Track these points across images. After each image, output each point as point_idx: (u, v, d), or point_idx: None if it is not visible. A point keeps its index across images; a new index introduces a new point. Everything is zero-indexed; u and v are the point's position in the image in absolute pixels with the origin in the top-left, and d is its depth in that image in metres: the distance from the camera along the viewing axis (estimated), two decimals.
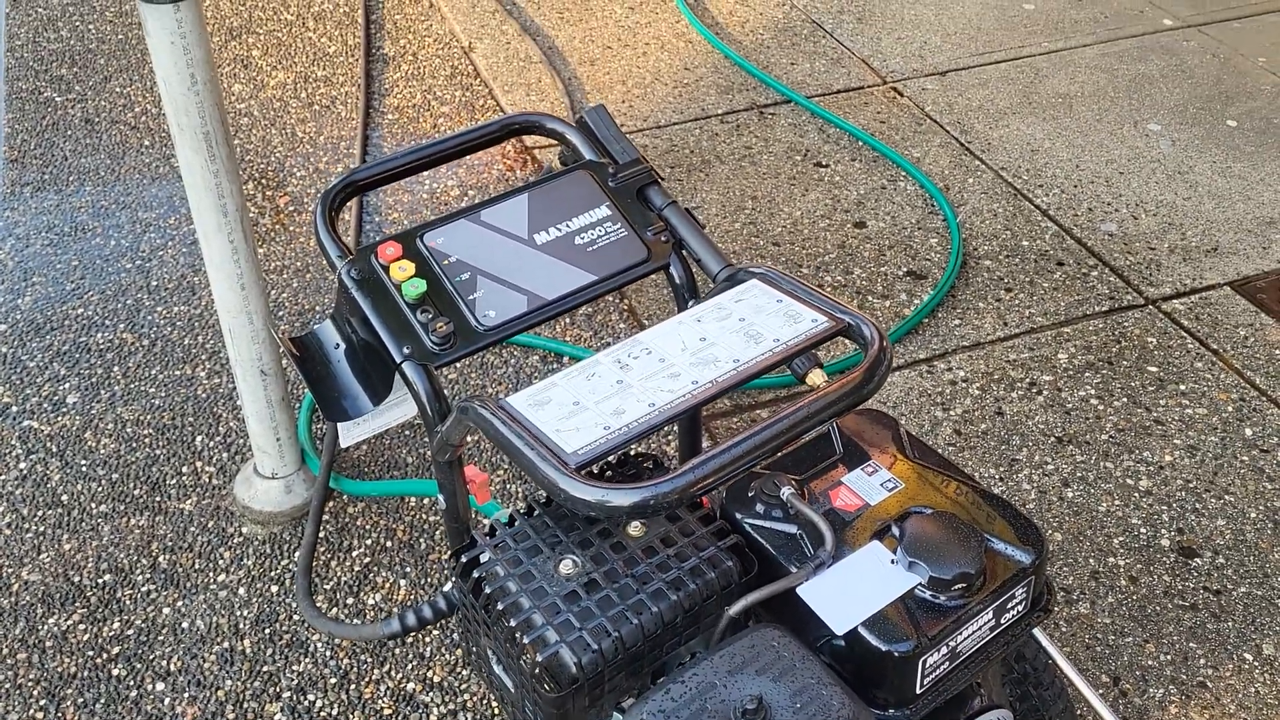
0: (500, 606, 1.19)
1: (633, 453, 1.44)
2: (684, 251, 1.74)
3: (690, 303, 1.66)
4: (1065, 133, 3.81)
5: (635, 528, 1.28)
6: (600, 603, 1.19)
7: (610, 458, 1.50)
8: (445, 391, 1.96)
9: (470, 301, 1.59)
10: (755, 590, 1.22)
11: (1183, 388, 2.79)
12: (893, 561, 1.26)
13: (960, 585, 1.23)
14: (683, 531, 1.27)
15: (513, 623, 1.17)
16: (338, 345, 1.66)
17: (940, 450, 2.60)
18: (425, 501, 2.47)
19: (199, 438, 2.65)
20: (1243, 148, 3.73)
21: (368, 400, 1.61)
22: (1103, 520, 2.44)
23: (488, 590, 1.22)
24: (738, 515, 1.34)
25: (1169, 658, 2.16)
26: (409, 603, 2.27)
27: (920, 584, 1.24)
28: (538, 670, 1.14)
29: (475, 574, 1.24)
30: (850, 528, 1.31)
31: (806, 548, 1.29)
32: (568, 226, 1.71)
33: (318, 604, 2.24)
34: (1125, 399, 2.75)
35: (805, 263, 3.19)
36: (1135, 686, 2.12)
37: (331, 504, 2.48)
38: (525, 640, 1.15)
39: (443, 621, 2.19)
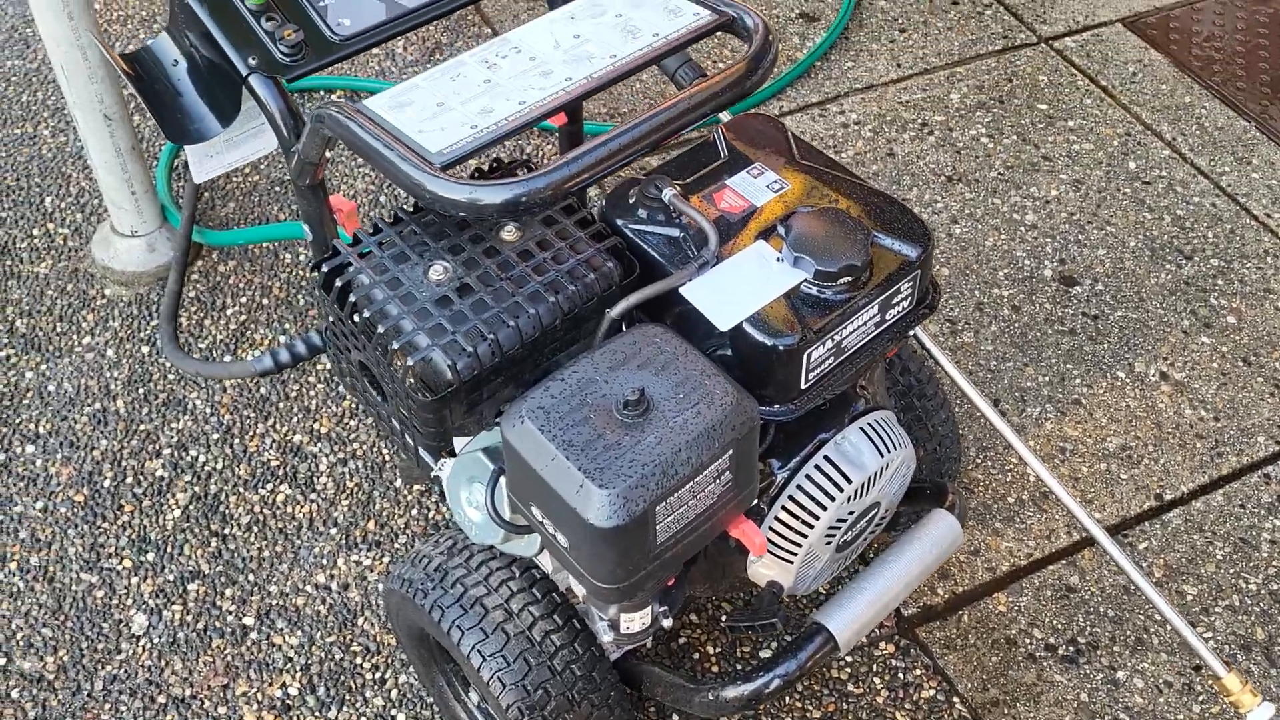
0: (366, 314, 1.12)
1: (505, 159, 1.35)
2: None
3: None
4: None
5: (509, 232, 1.20)
6: (474, 306, 1.12)
7: (480, 164, 1.42)
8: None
9: (321, 8, 1.44)
10: (636, 291, 1.18)
11: (1071, 124, 2.78)
12: (778, 259, 1.22)
13: (846, 278, 1.20)
14: (560, 235, 1.20)
15: (381, 329, 1.11)
16: (176, 62, 1.50)
17: None
18: (302, 257, 2.36)
19: (48, 199, 2.46)
20: None
21: (215, 121, 1.48)
22: (989, 254, 2.46)
23: (353, 298, 1.14)
24: (619, 221, 1.28)
25: (1047, 379, 2.23)
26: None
27: (806, 279, 1.20)
28: (410, 377, 1.09)
29: (338, 283, 1.16)
30: (735, 229, 1.26)
31: (690, 250, 1.24)
32: None
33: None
34: (1015, 136, 2.73)
35: None
36: (1014, 407, 2.19)
37: (201, 263, 2.35)
38: (395, 346, 1.09)
39: (318, 359, 2.13)
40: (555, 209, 1.24)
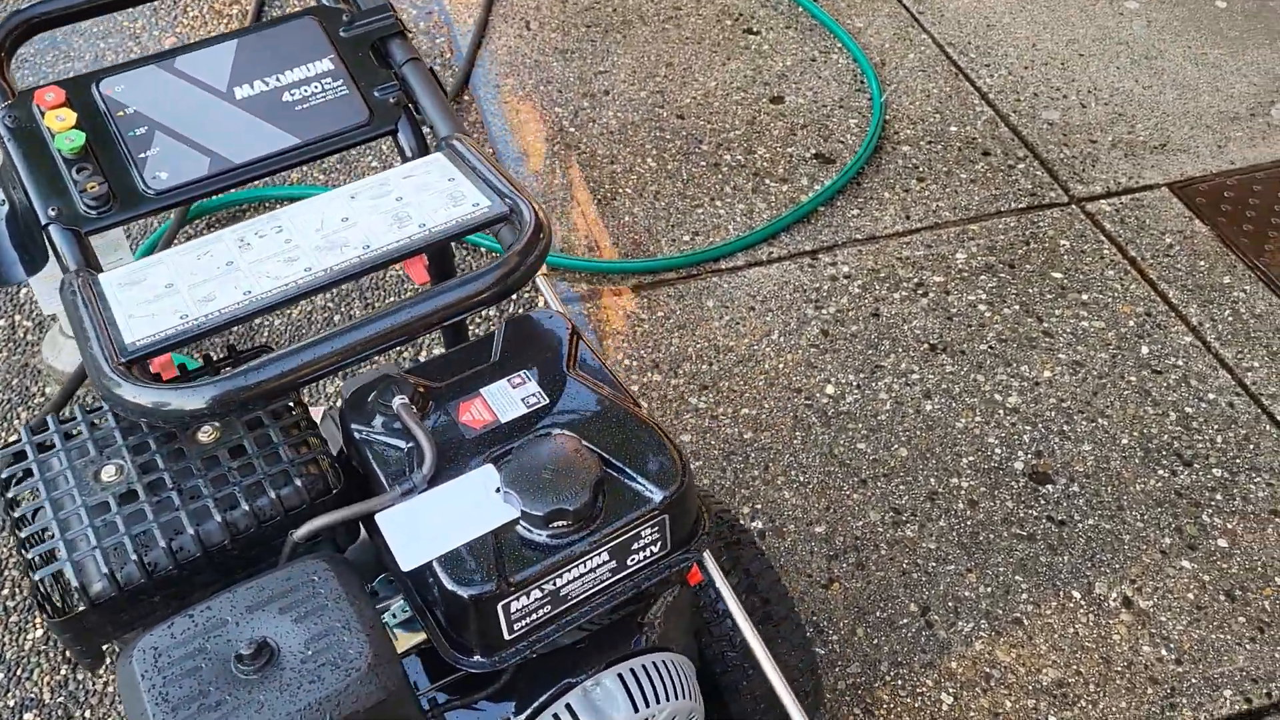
0: (17, 514, 1.05)
1: (251, 343, 1.28)
2: (419, 116, 1.53)
3: None
4: (1030, 7, 3.45)
5: (206, 431, 1.12)
6: (131, 518, 1.04)
7: (212, 349, 1.34)
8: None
9: (140, 160, 1.41)
10: (325, 514, 1.07)
11: (1084, 298, 2.54)
12: (498, 490, 1.10)
13: (559, 523, 1.06)
14: (260, 441, 1.11)
15: (23, 533, 1.03)
16: (1, 203, 1.49)
17: (800, 351, 2.40)
18: None
19: (24, 290, 2.53)
20: (1226, 31, 3.35)
21: (21, 268, 1.45)
22: (957, 438, 2.25)
23: (11, 494, 1.07)
24: (351, 424, 1.17)
25: (989, 589, 2.00)
26: None
27: (518, 518, 1.07)
28: (38, 588, 1.01)
29: (6, 474, 1.09)
30: (469, 448, 1.14)
31: (411, 469, 1.13)
32: (276, 81, 1.50)
33: None
34: (1017, 306, 2.52)
35: (707, 138, 2.94)
36: (944, 618, 1.96)
37: None
38: (30, 555, 1.01)
39: None
40: (268, 409, 1.15)
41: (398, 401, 1.15)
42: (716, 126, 2.99)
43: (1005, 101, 3.10)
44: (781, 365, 2.38)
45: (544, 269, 1.47)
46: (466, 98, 3.10)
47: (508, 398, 1.19)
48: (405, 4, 3.39)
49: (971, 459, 2.21)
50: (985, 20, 3.40)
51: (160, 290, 1.15)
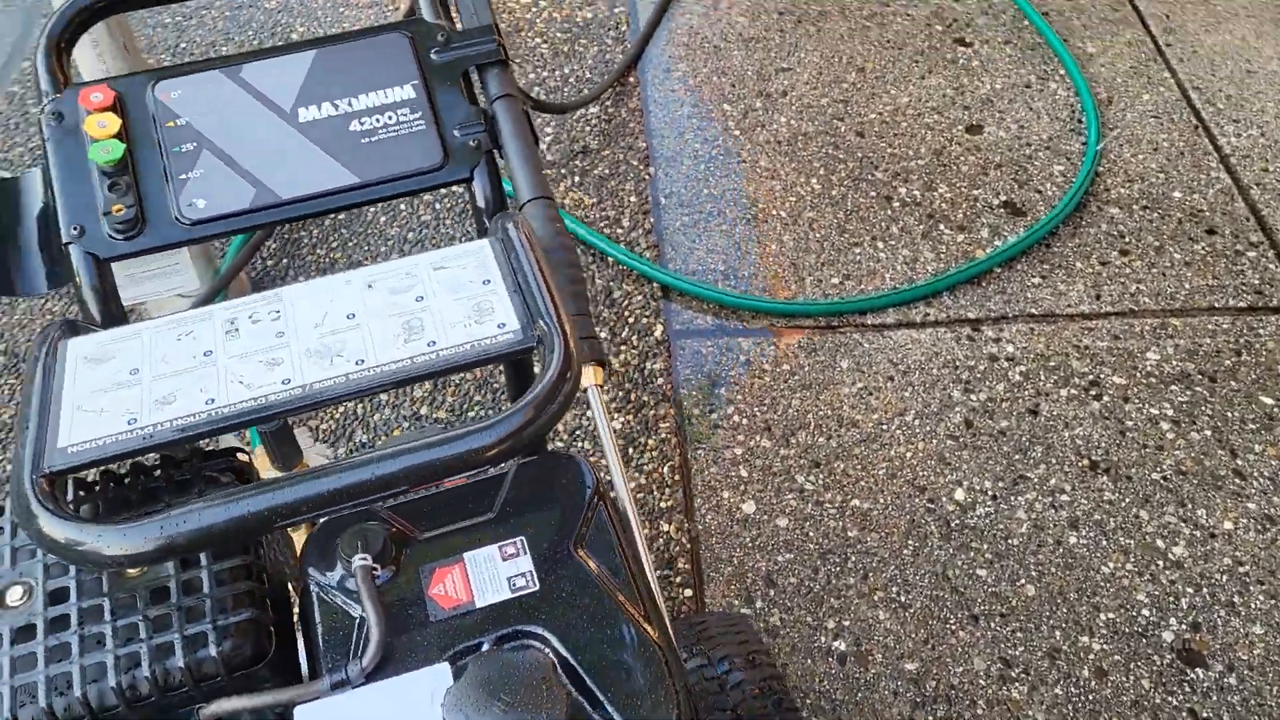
0: None
1: (219, 446, 1.10)
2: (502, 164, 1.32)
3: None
4: None
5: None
6: (19, 662, 0.89)
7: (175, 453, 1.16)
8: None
9: (180, 182, 1.25)
10: (237, 696, 0.89)
11: None
12: (441, 704, 0.89)
13: None
14: (189, 586, 0.94)
15: None
16: (43, 203, 1.36)
17: (935, 440, 2.09)
18: None
19: None
20: None
21: (42, 279, 1.33)
22: (1099, 585, 1.91)
23: None
24: (310, 569, 0.99)
25: None
26: None
27: None
28: None
29: None
30: (429, 634, 0.94)
31: (355, 650, 0.94)
32: (348, 105, 1.32)
33: None
34: (1209, 431, 2.13)
35: (884, 164, 2.61)
36: None
37: None
38: None
39: None
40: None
41: (359, 561, 0.95)
42: (898, 152, 2.66)
43: (1248, 169, 2.63)
44: (909, 454, 2.08)
45: (602, 371, 1.25)
46: (632, 80, 2.86)
47: (493, 572, 0.98)
48: None
49: (1111, 615, 1.87)
50: (1245, 63, 2.89)
51: (123, 376, 0.99)
